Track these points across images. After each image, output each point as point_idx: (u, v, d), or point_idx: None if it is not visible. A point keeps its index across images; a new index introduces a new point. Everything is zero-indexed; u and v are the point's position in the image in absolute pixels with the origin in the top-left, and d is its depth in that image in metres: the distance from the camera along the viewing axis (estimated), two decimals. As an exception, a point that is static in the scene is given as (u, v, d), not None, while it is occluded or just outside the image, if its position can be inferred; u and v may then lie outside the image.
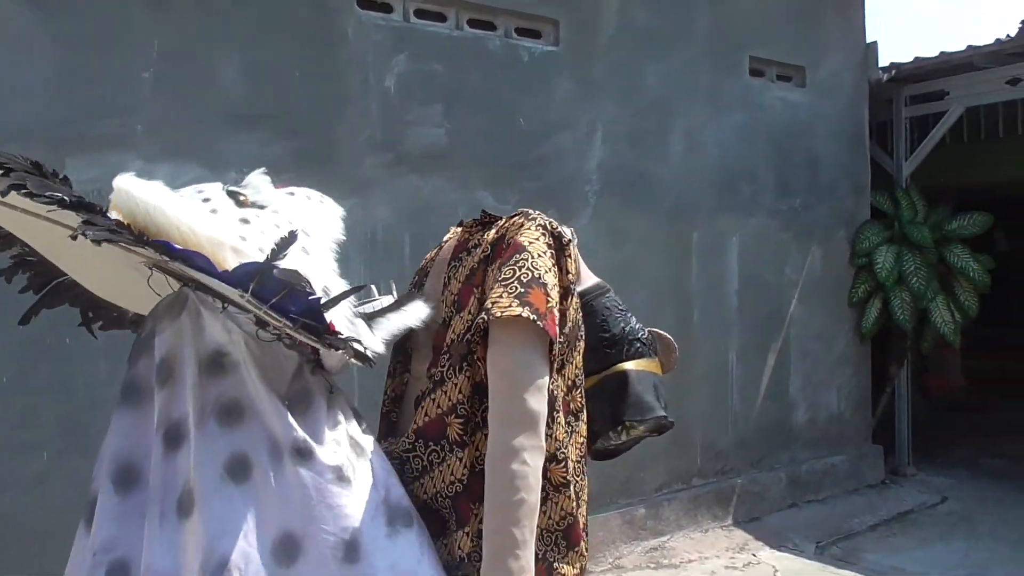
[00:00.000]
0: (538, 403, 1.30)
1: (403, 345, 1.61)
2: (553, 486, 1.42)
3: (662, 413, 1.63)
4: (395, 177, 3.47)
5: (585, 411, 1.54)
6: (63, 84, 2.77)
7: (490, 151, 3.74)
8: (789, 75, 5.07)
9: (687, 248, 4.50)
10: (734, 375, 4.74)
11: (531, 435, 1.28)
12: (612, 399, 1.63)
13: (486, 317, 1.31)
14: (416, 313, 1.51)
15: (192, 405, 1.23)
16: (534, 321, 1.28)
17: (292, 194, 1.52)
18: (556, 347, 1.34)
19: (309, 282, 1.17)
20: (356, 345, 1.24)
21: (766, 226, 4.87)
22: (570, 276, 1.39)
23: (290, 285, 1.14)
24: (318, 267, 1.32)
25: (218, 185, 1.50)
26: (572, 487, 1.45)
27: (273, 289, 1.14)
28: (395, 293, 1.59)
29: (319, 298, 1.18)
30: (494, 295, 1.32)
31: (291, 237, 1.20)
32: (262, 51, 3.13)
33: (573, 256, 1.43)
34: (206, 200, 1.41)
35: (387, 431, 1.60)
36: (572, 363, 1.48)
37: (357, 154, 3.37)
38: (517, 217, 1.45)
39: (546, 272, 1.34)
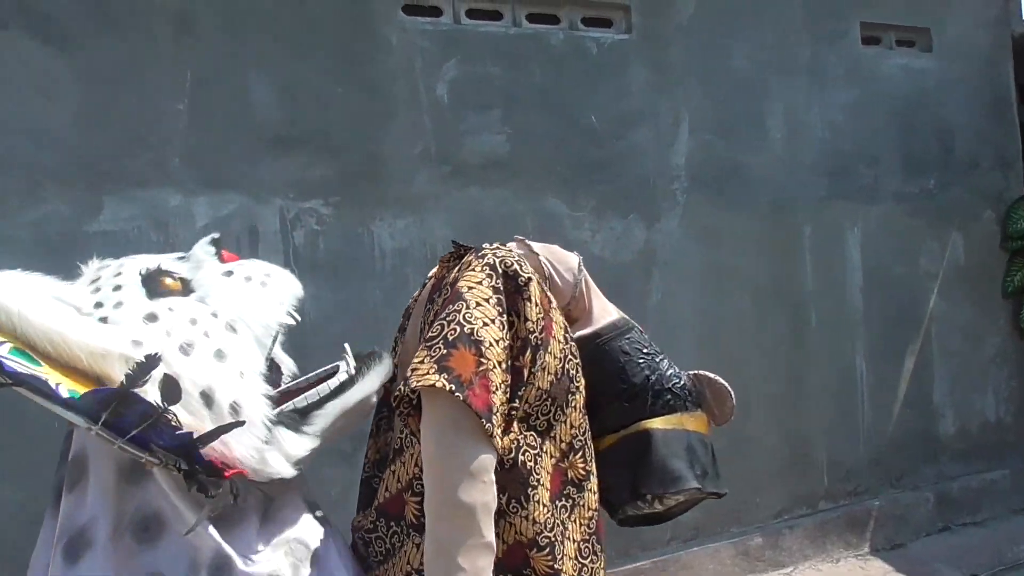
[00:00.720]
0: (471, 492, 1.04)
1: (387, 399, 1.37)
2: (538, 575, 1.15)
3: (694, 485, 1.30)
4: (453, 191, 3.24)
5: (594, 478, 1.26)
6: (94, 122, 2.71)
7: (558, 154, 3.44)
8: (911, 39, 4.46)
9: (796, 244, 4.00)
10: (864, 383, 4.19)
11: (466, 531, 1.03)
12: (632, 465, 1.32)
13: (402, 387, 1.09)
14: (379, 376, 1.31)
15: (108, 512, 1.07)
16: (452, 392, 1.04)
17: (231, 273, 1.30)
18: (493, 418, 1.07)
19: (174, 414, 1.00)
20: (245, 476, 1.06)
21: (892, 212, 4.29)
22: (529, 324, 1.13)
23: (155, 415, 0.98)
24: (232, 374, 1.12)
25: (152, 260, 1.32)
26: (565, 571, 1.17)
27: (132, 420, 0.97)
28: (349, 360, 1.35)
29: (189, 433, 1.01)
30: (416, 358, 1.09)
31: (151, 361, 1.00)
32: (299, 69, 2.98)
33: (534, 298, 1.15)
34: (116, 289, 1.20)
35: (366, 501, 1.37)
36: (564, 423, 1.21)
37: (409, 169, 3.16)
38: (470, 255, 1.19)
39: (483, 326, 1.09)
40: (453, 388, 1.04)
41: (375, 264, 3.09)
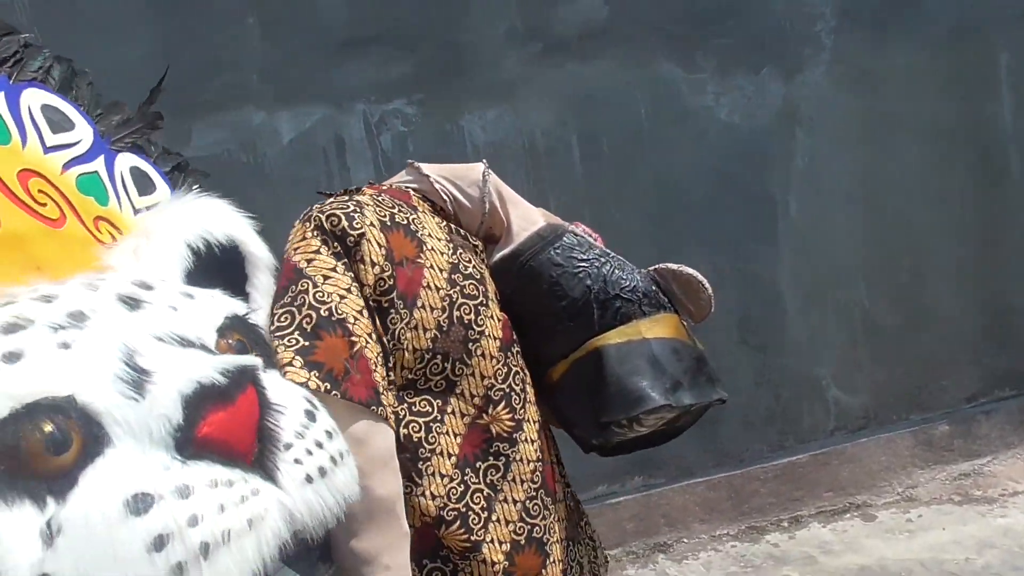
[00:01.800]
0: (385, 484, 0.94)
1: None
2: (457, 554, 1.05)
3: (660, 402, 1.09)
4: (548, 70, 2.95)
5: (529, 426, 1.11)
6: (170, 52, 2.70)
7: (667, 11, 3.01)
8: None
9: (988, 76, 3.29)
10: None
11: (384, 531, 0.94)
12: (589, 392, 1.12)
13: None
14: None
15: None
16: (328, 392, 0.91)
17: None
18: (383, 397, 0.95)
19: None
20: None
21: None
22: (367, 289, 0.98)
23: None
24: None
25: None
26: (488, 548, 1.05)
27: None
28: None
29: None
30: (280, 355, 0.95)
31: None
32: (364, -38, 2.78)
33: (368, 257, 0.99)
34: None
35: None
36: (471, 375, 1.06)
37: (495, 54, 2.90)
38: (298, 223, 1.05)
39: (340, 300, 0.95)
40: (328, 386, 0.92)
41: (469, 161, 2.89)
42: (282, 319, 0.96)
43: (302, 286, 0.96)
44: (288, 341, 0.94)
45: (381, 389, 0.95)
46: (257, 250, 0.99)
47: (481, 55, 2.89)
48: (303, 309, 0.95)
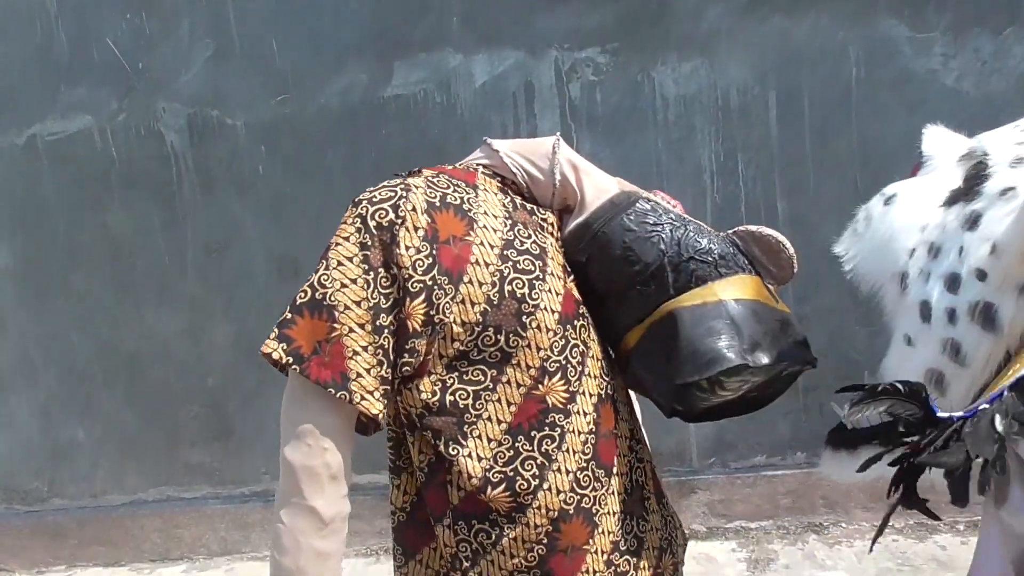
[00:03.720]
0: (293, 453, 1.02)
1: None
2: (503, 515, 1.11)
3: (736, 362, 1.08)
4: (752, 24, 2.78)
5: (584, 399, 1.14)
6: (381, -5, 2.85)
7: (900, -41, 2.71)
8: None
9: None
10: None
11: (288, 490, 1.03)
12: (664, 355, 1.14)
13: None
14: None
15: None
16: (289, 364, 1.00)
17: None
18: (351, 384, 1.01)
19: None
20: None
21: None
22: (405, 272, 1.02)
23: None
24: None
25: None
26: (533, 512, 1.11)
27: None
28: None
29: None
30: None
31: None
32: (571, -95, 2.74)
33: (403, 242, 1.03)
34: None
35: None
36: (527, 347, 1.09)
37: (698, 4, 2.77)
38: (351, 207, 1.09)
39: (340, 288, 1.01)
40: (291, 360, 1.00)
41: (657, 115, 2.85)
42: (301, 288, 1.05)
43: (319, 266, 1.03)
44: (286, 312, 1.03)
45: (353, 376, 1.00)
46: None
47: (683, 5, 2.78)
48: (306, 285, 1.03)
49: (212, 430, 3.15)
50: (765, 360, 1.09)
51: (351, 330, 1.01)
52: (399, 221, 1.03)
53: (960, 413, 0.83)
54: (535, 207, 1.18)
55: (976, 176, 0.91)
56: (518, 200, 1.17)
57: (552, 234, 1.17)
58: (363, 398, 1.01)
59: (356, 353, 1.01)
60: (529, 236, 1.12)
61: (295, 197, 2.98)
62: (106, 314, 3.10)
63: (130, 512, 3.21)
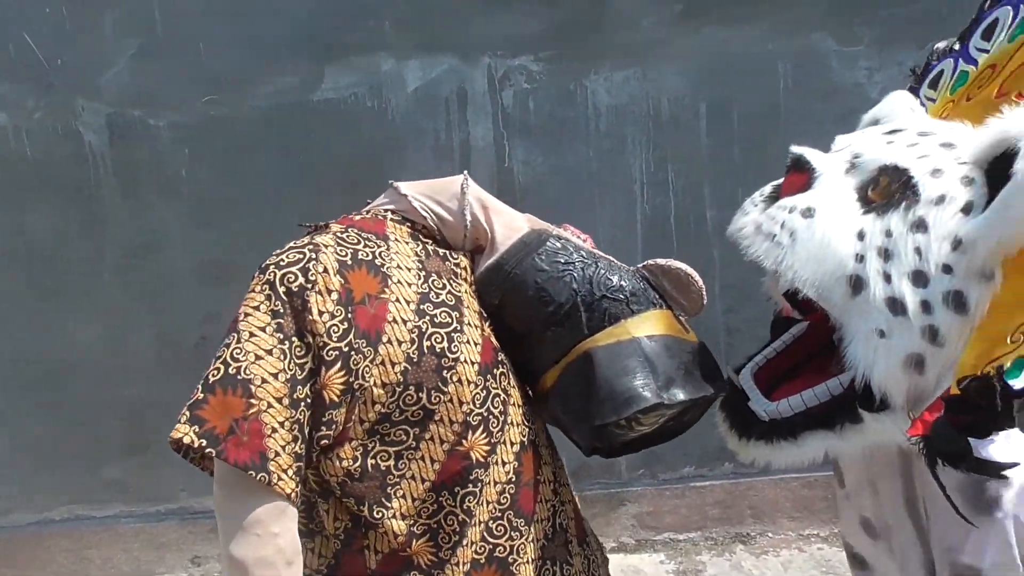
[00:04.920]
0: (242, 548, 0.96)
1: None
2: (424, 571, 1.10)
3: (652, 400, 1.08)
4: (686, 34, 2.81)
5: (503, 448, 1.12)
6: (316, -3, 2.80)
7: (828, -25, 2.77)
8: None
9: None
10: None
11: None
12: (581, 396, 1.12)
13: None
14: None
15: None
16: (204, 448, 0.94)
17: None
18: (270, 464, 0.95)
19: None
20: None
21: None
22: (319, 338, 0.98)
23: None
24: None
25: None
26: (451, 568, 1.10)
27: None
28: None
29: None
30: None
31: None
32: (506, -89, 2.74)
33: (316, 307, 0.98)
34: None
35: None
36: (449, 402, 1.06)
37: (633, 14, 2.79)
38: (258, 273, 1.04)
39: (255, 361, 0.96)
40: (204, 443, 0.94)
41: (589, 123, 2.85)
42: (210, 366, 0.99)
43: (229, 340, 0.98)
44: (197, 391, 0.97)
45: (272, 455, 0.95)
46: None
47: (618, 15, 2.79)
48: (217, 362, 0.97)
49: (129, 444, 3.02)
50: (680, 396, 1.10)
51: (269, 405, 0.96)
52: (309, 285, 0.98)
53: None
54: (447, 252, 1.16)
55: (903, 187, 1.03)
56: (430, 246, 1.15)
57: (466, 279, 1.15)
58: (279, 478, 0.96)
59: (274, 430, 0.96)
60: (444, 287, 1.09)
61: (221, 201, 2.89)
62: (19, 320, 2.96)
63: (37, 532, 3.05)
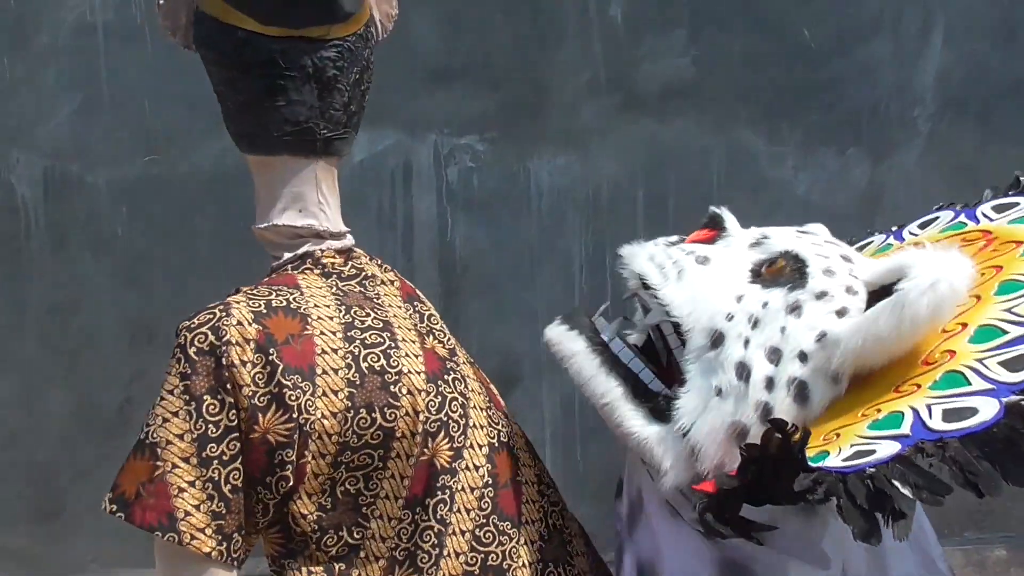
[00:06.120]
0: None
1: None
2: None
3: None
4: (624, 124, 2.93)
5: (470, 452, 1.12)
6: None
7: (758, 78, 2.95)
8: None
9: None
10: None
11: None
12: None
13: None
14: None
15: None
16: (115, 514, 0.97)
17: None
18: (180, 524, 0.96)
19: None
20: None
21: None
22: (247, 389, 0.99)
23: None
24: None
25: None
26: (445, 574, 1.08)
27: None
28: None
29: None
30: None
31: None
32: (458, -3, 2.85)
33: (238, 359, 0.99)
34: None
35: None
36: (403, 416, 1.06)
37: (574, 101, 2.91)
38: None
39: (162, 424, 0.98)
40: (115, 508, 0.97)
41: (531, 203, 2.93)
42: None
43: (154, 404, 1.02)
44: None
45: (183, 514, 0.96)
46: None
47: (560, 101, 2.91)
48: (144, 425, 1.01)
49: (37, 510, 2.87)
50: None
51: (174, 466, 0.96)
52: (221, 342, 0.99)
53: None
54: (364, 283, 1.16)
55: (795, 272, 1.07)
56: (344, 285, 1.14)
57: (392, 304, 1.15)
58: (193, 537, 0.95)
59: (182, 490, 0.96)
60: (368, 314, 1.10)
61: (156, 261, 2.85)
62: (-73, 374, 2.82)
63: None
